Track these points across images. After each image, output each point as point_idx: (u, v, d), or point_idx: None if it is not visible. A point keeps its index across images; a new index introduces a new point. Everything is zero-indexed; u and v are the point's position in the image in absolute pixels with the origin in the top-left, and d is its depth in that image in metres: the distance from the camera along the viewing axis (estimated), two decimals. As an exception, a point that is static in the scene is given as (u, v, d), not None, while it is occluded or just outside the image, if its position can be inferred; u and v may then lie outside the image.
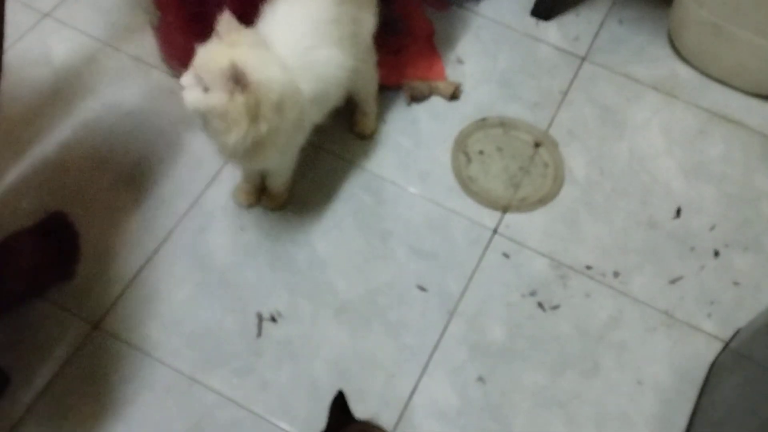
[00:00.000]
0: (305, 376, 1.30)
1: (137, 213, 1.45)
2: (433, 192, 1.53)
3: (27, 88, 1.59)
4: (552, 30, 1.81)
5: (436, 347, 1.35)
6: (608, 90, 1.72)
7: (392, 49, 1.65)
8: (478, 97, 1.68)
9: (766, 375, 1.16)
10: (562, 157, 1.61)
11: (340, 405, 0.95)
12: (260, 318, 1.36)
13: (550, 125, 1.65)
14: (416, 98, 1.65)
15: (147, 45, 1.66)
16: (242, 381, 1.29)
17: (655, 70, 1.77)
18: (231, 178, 1.50)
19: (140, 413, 1.24)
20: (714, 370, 1.34)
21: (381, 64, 1.49)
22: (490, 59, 1.75)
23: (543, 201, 1.54)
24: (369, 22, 1.37)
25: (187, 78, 1.13)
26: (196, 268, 1.40)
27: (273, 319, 1.36)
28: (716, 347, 1.38)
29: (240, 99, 1.10)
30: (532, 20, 1.83)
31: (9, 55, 1.57)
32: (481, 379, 1.33)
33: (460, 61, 1.73)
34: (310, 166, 1.51)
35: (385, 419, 1.26)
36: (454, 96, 1.66)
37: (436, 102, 1.66)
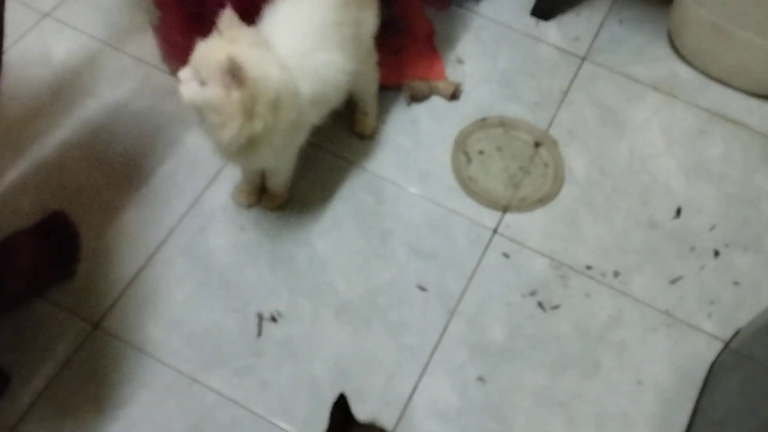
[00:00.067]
0: (305, 376, 1.30)
1: (137, 213, 1.45)
2: (433, 192, 1.53)
3: (27, 88, 1.59)
4: (552, 30, 1.81)
5: (436, 347, 1.35)
6: (608, 90, 1.72)
7: (392, 49, 1.65)
8: (478, 97, 1.68)
9: (767, 375, 1.16)
10: (562, 157, 1.61)
11: (341, 408, 0.95)
12: (260, 318, 1.36)
13: (550, 125, 1.65)
14: (416, 98, 1.65)
15: (147, 45, 1.66)
16: (242, 381, 1.29)
17: (655, 70, 1.77)
18: (231, 178, 1.50)
19: (140, 413, 1.24)
20: (714, 370, 1.34)
21: (381, 64, 1.49)
22: (490, 59, 1.75)
23: (543, 201, 1.54)
24: (370, 23, 1.36)
25: (185, 72, 1.14)
26: (196, 268, 1.40)
27: (273, 319, 1.36)
28: (716, 347, 1.38)
29: (236, 94, 1.09)
30: (532, 20, 1.83)
31: (9, 55, 1.58)
32: (481, 379, 1.33)
33: (460, 61, 1.73)
34: (310, 166, 1.51)
35: (385, 419, 1.26)
36: (454, 96, 1.66)
37: (436, 102, 1.66)
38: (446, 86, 1.66)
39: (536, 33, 1.81)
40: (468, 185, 1.55)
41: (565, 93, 1.71)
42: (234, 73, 1.08)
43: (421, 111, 1.65)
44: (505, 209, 1.52)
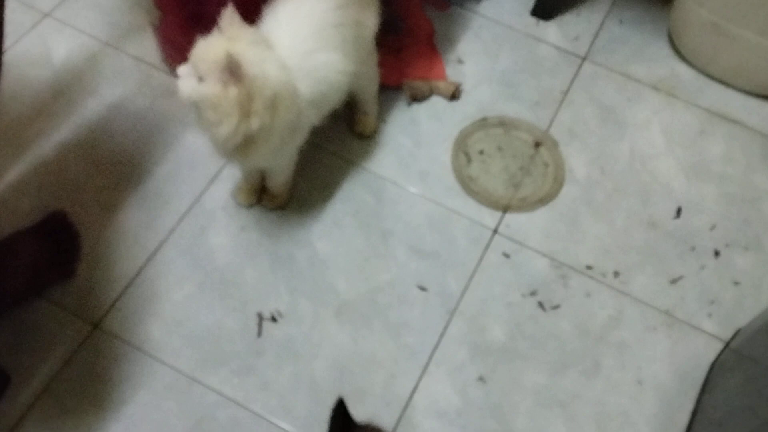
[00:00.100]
0: (305, 376, 1.30)
1: (137, 213, 1.45)
2: (434, 192, 1.53)
3: (27, 88, 1.59)
4: (552, 30, 1.81)
5: (436, 347, 1.35)
6: (609, 90, 1.72)
7: (392, 49, 1.66)
8: (479, 97, 1.68)
9: (767, 375, 1.16)
10: (562, 157, 1.61)
11: (340, 413, 0.95)
12: (260, 318, 1.36)
13: (550, 125, 1.65)
14: (416, 98, 1.65)
15: (147, 45, 1.66)
16: (242, 381, 1.29)
17: (655, 70, 1.77)
18: (231, 177, 1.50)
19: (140, 413, 1.24)
20: (714, 369, 1.34)
21: (381, 63, 1.49)
22: (490, 59, 1.75)
23: (543, 201, 1.54)
24: (371, 24, 1.36)
25: (184, 68, 1.14)
26: (196, 268, 1.40)
27: (273, 319, 1.36)
28: (716, 347, 1.38)
29: (233, 91, 1.09)
30: (533, 20, 1.83)
31: (9, 55, 1.58)
32: (481, 378, 1.33)
33: (460, 61, 1.73)
34: (310, 166, 1.51)
35: (385, 419, 1.26)
36: (454, 96, 1.66)
37: (436, 102, 1.66)
38: (446, 86, 1.66)
39: (536, 33, 1.81)
40: (468, 185, 1.55)
41: (566, 93, 1.71)
42: (232, 70, 1.08)
43: (421, 111, 1.65)
44: (505, 209, 1.52)
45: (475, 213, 1.51)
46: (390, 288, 1.41)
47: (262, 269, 1.41)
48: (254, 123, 1.13)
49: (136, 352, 1.30)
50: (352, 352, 1.33)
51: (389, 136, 1.60)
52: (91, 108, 1.57)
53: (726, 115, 1.71)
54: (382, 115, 1.62)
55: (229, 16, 1.13)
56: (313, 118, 1.29)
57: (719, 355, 1.36)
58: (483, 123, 1.64)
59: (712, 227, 1.54)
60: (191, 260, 1.40)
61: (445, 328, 1.37)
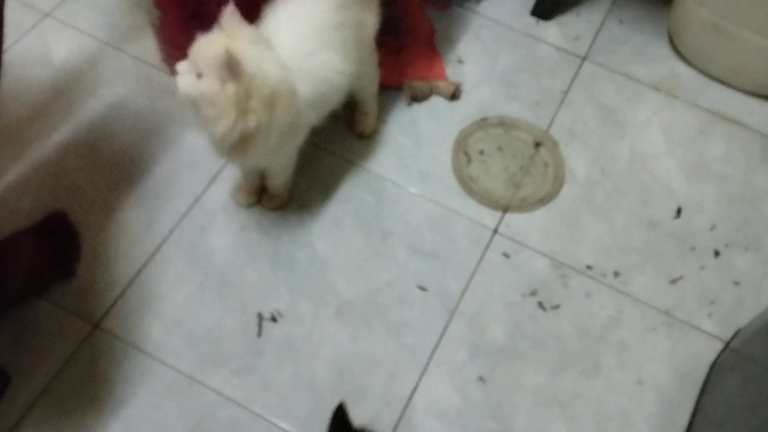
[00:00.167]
0: (305, 376, 1.30)
1: (137, 213, 1.45)
2: (434, 192, 1.53)
3: (27, 88, 1.58)
4: (552, 30, 1.81)
5: (436, 347, 1.35)
6: (609, 90, 1.72)
7: (392, 49, 1.66)
8: (479, 97, 1.68)
9: (767, 375, 1.16)
10: (562, 157, 1.61)
11: (340, 418, 0.95)
12: (260, 318, 1.36)
13: (550, 125, 1.65)
14: (416, 98, 1.65)
15: (147, 45, 1.66)
16: (242, 381, 1.29)
17: (655, 70, 1.77)
18: (231, 177, 1.50)
19: (140, 413, 1.24)
20: (714, 369, 1.34)
21: (381, 63, 1.49)
22: (490, 59, 1.75)
23: (543, 201, 1.54)
24: (371, 24, 1.36)
25: (183, 64, 1.14)
26: (196, 268, 1.40)
27: (273, 319, 1.36)
28: (717, 347, 1.38)
29: (231, 88, 1.09)
30: (533, 20, 1.83)
31: (9, 55, 1.58)
32: (481, 378, 1.33)
33: (460, 61, 1.73)
34: (310, 166, 1.51)
35: (385, 419, 1.26)
36: (454, 96, 1.66)
37: (436, 102, 1.66)
38: (446, 86, 1.66)
39: (536, 33, 1.81)
40: (468, 185, 1.55)
41: (566, 93, 1.71)
42: (231, 67, 1.08)
43: (421, 111, 1.65)
44: (505, 209, 1.52)
45: (475, 213, 1.51)
46: (390, 288, 1.41)
47: (262, 269, 1.41)
48: (251, 121, 1.13)
49: (136, 352, 1.30)
50: (352, 352, 1.33)
51: (389, 136, 1.60)
52: (91, 108, 1.57)
53: (726, 115, 1.71)
54: (382, 115, 1.62)
55: (229, 14, 1.13)
56: (312, 118, 1.29)
57: (719, 355, 1.36)
58: (483, 123, 1.64)
59: (712, 227, 1.54)
60: (191, 260, 1.40)
61: (445, 328, 1.37)
